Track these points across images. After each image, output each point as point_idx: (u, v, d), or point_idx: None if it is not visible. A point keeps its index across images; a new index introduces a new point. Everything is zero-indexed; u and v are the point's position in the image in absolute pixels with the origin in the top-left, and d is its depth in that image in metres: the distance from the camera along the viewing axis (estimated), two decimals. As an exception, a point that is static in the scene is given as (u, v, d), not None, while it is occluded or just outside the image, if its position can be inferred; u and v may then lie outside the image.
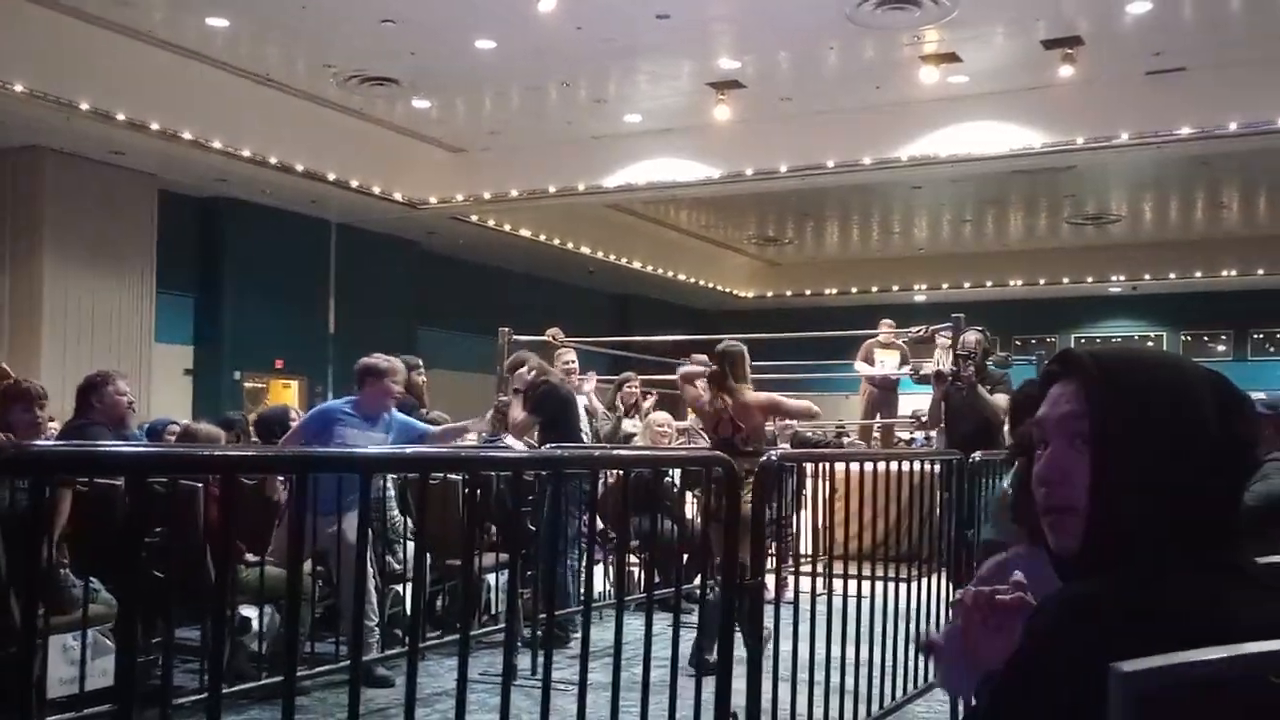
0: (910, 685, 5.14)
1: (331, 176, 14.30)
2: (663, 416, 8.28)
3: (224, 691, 4.36)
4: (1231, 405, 1.33)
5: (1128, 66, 11.86)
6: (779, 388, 12.44)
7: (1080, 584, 1.34)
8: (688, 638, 3.45)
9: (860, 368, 11.35)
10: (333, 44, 11.80)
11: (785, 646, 4.22)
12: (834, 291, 23.07)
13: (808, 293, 23.41)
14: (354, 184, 14.65)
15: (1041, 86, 12.11)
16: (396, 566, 5.49)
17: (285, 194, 14.88)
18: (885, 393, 11.16)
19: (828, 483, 5.62)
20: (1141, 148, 12.63)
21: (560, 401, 6.66)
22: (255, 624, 4.82)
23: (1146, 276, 20.85)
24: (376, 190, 15.02)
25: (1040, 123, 12.59)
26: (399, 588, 5.60)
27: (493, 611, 6.12)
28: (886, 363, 11.11)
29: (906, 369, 11.20)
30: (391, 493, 5.66)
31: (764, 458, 3.48)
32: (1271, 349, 22.30)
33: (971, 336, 7.81)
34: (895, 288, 22.38)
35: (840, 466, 6.07)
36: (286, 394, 16.30)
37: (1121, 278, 21.18)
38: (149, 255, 14.19)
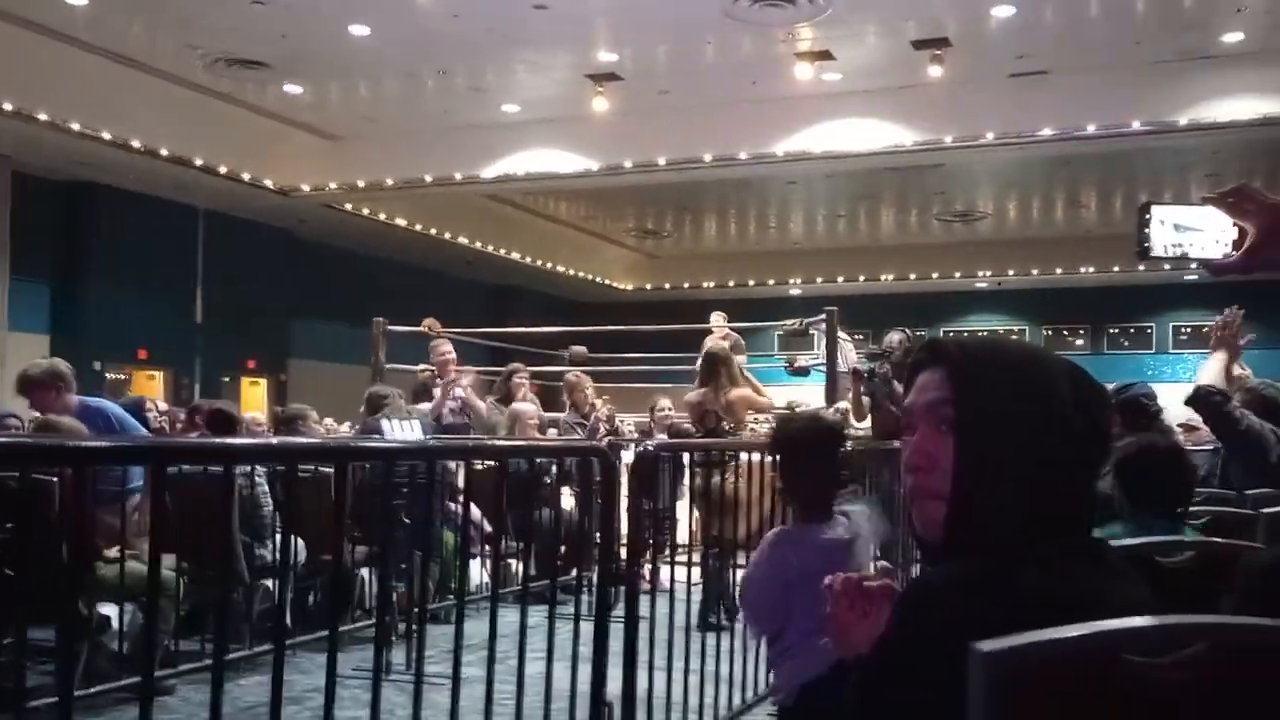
0: (784, 671, 5.22)
1: (199, 162, 13.85)
2: (529, 408, 8.23)
3: (84, 693, 4.19)
4: (1089, 395, 1.38)
5: (993, 68, 12.24)
6: (656, 379, 12.55)
7: (945, 568, 1.37)
8: (563, 629, 3.43)
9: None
10: (199, 24, 11.42)
11: (661, 635, 4.24)
12: (712, 284, 23.31)
13: (686, 285, 23.59)
14: (222, 170, 14.22)
15: (912, 86, 12.42)
16: (268, 559, 5.34)
17: (150, 179, 14.36)
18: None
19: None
20: (1006, 147, 13.05)
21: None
22: (115, 622, 4.64)
23: (1011, 273, 21.57)
24: (246, 177, 14.60)
25: (910, 121, 12.91)
26: (269, 583, 5.46)
27: (366, 606, 6.01)
28: None
29: (739, 359, 11.21)
30: (264, 486, 5.51)
31: (640, 448, 3.49)
32: (1126, 343, 23.28)
33: (895, 336, 8.10)
34: (771, 281, 22.71)
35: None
36: (151, 386, 15.74)
37: (988, 273, 21.87)
38: (2, 240, 13.56)
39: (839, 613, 1.54)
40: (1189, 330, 22.67)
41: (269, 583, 5.40)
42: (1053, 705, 1.19)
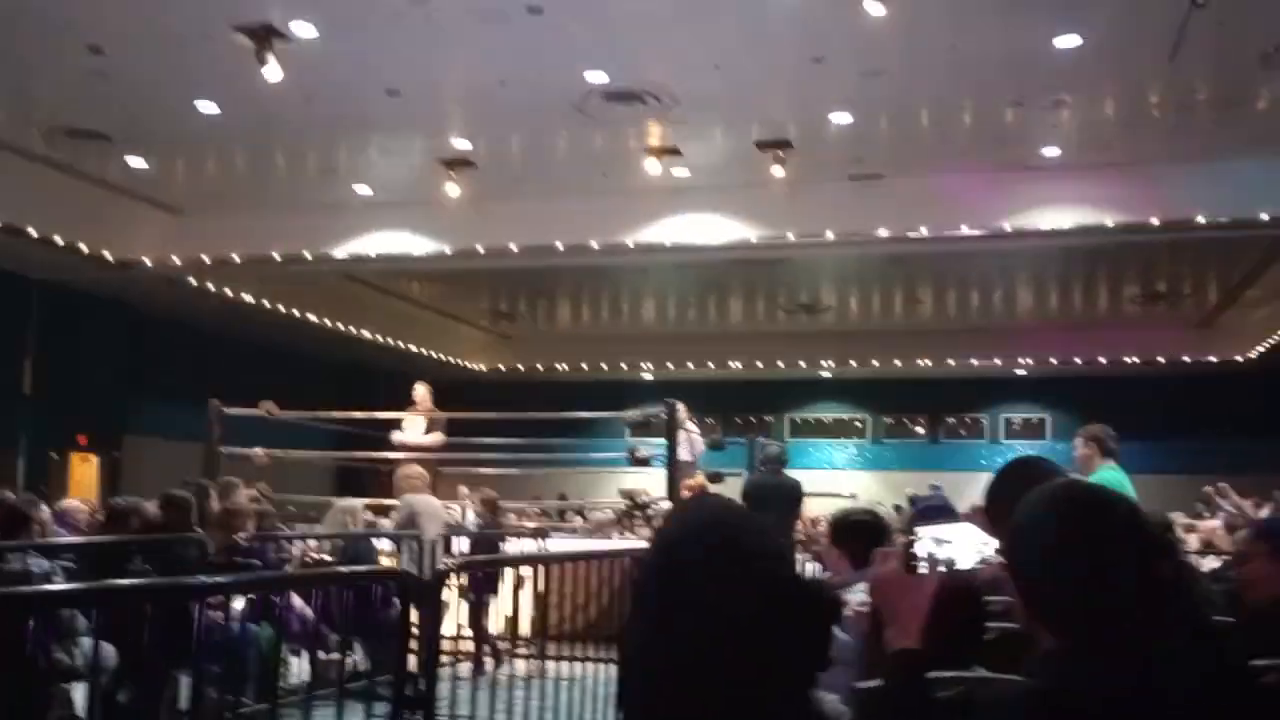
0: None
1: (33, 232, 13.36)
2: (354, 503, 8.12)
3: None
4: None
5: (832, 170, 12.75)
6: (513, 464, 12.50)
7: None
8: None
9: (394, 435, 11.20)
10: (37, 94, 11.13)
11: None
12: (566, 367, 23.44)
13: (540, 367, 23.67)
14: (58, 241, 13.74)
15: (756, 184, 12.82)
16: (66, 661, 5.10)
17: (-23, 249, 13.78)
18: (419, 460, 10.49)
19: (542, 574, 5.69)
20: (845, 246, 13.59)
21: None
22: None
23: (853, 363, 22.27)
24: (84, 249, 14.12)
25: (755, 218, 13.33)
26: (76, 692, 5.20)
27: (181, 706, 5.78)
28: (411, 429, 11.10)
29: (435, 437, 11.08)
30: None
31: (439, 565, 3.51)
32: (963, 432, 24.27)
33: (773, 449, 9.82)
34: (624, 366, 22.97)
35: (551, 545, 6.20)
36: (-27, 464, 14.94)
37: (831, 363, 22.54)
38: None
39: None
40: (1019, 422, 23.80)
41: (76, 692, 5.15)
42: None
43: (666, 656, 1.33)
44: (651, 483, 11.57)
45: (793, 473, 10.22)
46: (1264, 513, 12.26)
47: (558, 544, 10.18)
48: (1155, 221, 12.45)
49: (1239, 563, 3.37)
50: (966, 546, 1.93)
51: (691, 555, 1.36)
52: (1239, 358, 19.80)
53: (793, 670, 1.36)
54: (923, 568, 1.88)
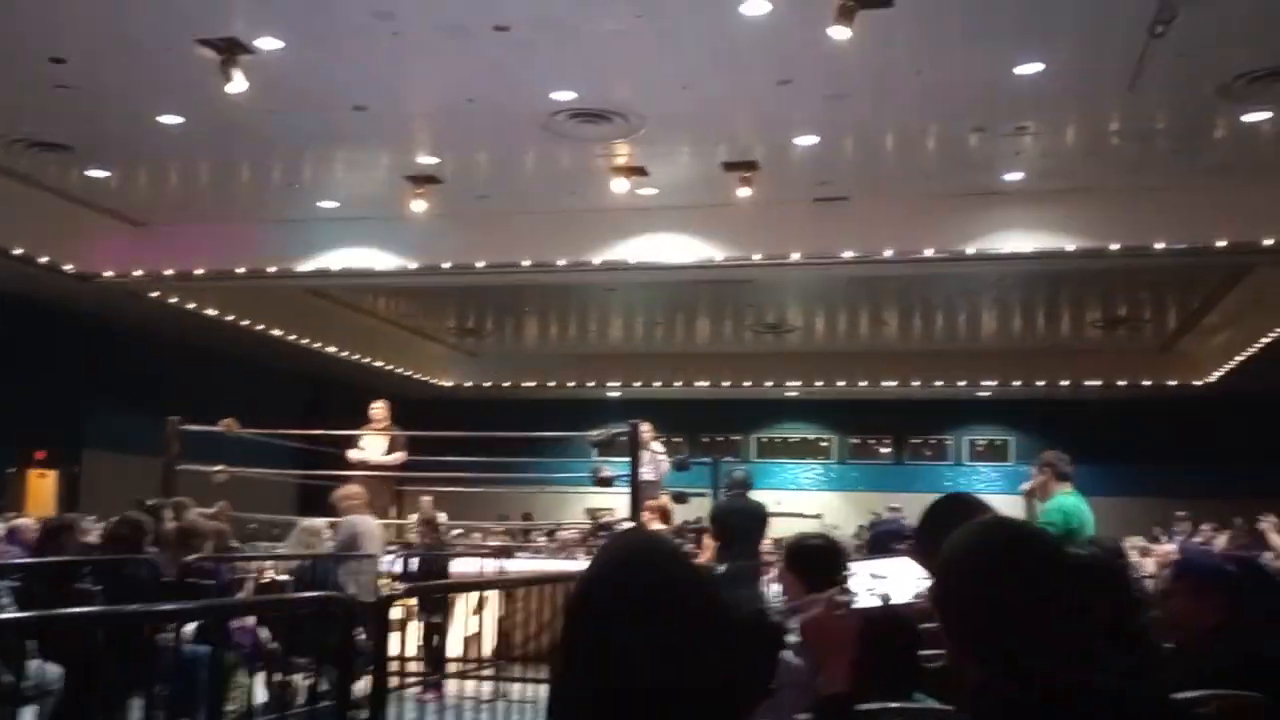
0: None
1: (-9, 244, 13.21)
2: (318, 522, 8.04)
3: None
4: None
5: (798, 192, 12.82)
6: (480, 482, 12.39)
7: None
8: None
9: (350, 454, 11.13)
10: (-3, 105, 11.00)
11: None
12: (533, 384, 23.39)
13: (506, 384, 23.60)
14: (16, 252, 13.57)
15: (722, 205, 12.87)
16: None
17: (-67, 259, 13.58)
18: (379, 479, 10.75)
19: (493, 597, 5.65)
20: (810, 267, 13.65)
21: None
22: None
23: (819, 383, 22.36)
24: (42, 260, 13.95)
25: (720, 238, 13.37)
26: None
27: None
28: (370, 448, 10.99)
29: (398, 455, 11.06)
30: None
31: (381, 594, 3.49)
32: (927, 453, 24.39)
33: (738, 473, 10.04)
34: (591, 383, 22.94)
35: (512, 565, 6.16)
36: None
37: (797, 383, 22.62)
38: None
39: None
40: (983, 444, 23.97)
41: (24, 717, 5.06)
42: None
43: (594, 691, 1.33)
44: (619, 502, 11.55)
45: (758, 493, 10.29)
46: (1220, 541, 12.39)
47: (521, 564, 10.15)
48: (1114, 247, 12.58)
49: (1163, 600, 3.39)
50: (903, 580, 1.92)
51: (612, 592, 1.37)
52: (1198, 382, 20.04)
53: (726, 699, 1.36)
54: (861, 599, 1.87)
